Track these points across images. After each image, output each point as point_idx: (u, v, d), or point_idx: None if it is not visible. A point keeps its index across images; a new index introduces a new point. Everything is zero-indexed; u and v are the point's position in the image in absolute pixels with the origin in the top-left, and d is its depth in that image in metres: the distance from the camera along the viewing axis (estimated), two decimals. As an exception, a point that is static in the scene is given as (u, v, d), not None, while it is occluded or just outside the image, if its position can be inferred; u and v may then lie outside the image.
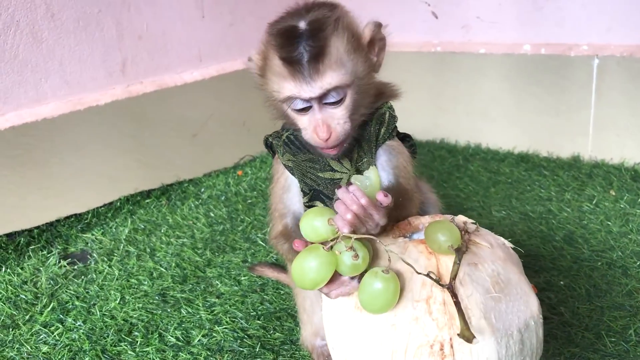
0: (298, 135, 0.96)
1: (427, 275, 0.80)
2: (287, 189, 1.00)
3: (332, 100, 0.88)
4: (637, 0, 1.84)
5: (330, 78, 0.86)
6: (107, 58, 1.78)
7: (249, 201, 1.88)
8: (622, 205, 1.65)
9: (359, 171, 0.97)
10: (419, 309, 0.81)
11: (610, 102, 1.93)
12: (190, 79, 2.01)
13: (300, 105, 0.88)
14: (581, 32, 1.97)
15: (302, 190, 0.98)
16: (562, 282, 1.30)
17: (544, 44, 2.04)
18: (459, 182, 1.91)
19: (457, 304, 0.78)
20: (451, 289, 0.78)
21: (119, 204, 1.81)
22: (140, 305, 1.33)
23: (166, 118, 1.94)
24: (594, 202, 1.68)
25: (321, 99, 0.88)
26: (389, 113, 0.99)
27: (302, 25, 0.86)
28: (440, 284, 0.79)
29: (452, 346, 0.81)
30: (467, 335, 0.77)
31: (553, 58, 2.01)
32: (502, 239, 0.95)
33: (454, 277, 0.80)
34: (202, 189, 1.97)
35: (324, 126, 0.88)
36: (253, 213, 1.79)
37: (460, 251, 0.81)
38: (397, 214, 0.91)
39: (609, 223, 1.55)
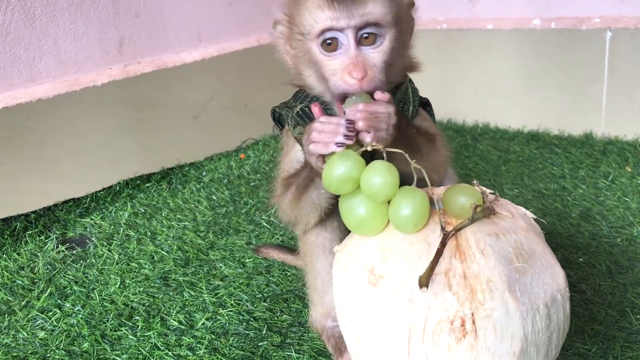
0: None
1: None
2: (297, 162, 0.94)
3: (370, 35, 0.82)
4: (652, -30, 1.78)
5: (372, 8, 0.81)
6: (103, 37, 1.72)
7: (252, 184, 1.82)
8: (639, 181, 1.59)
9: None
10: (438, 282, 0.76)
11: (624, 77, 1.87)
12: (190, 59, 1.95)
13: (332, 37, 0.82)
14: (593, 5, 1.90)
15: None
16: (581, 259, 1.25)
17: (554, 17, 1.97)
18: (468, 162, 1.85)
19: (439, 252, 0.73)
20: (446, 236, 0.73)
21: (118, 187, 1.75)
22: (141, 289, 1.28)
23: (166, 100, 1.88)
24: (609, 178, 1.62)
25: (358, 33, 0.82)
26: (411, 87, 0.94)
27: None
28: (443, 230, 0.75)
29: (474, 322, 0.75)
30: (422, 281, 0.73)
31: (564, 32, 1.95)
32: (522, 209, 0.89)
33: (458, 229, 0.75)
34: (204, 173, 1.91)
35: (359, 63, 0.81)
36: (257, 195, 1.74)
37: (482, 208, 0.75)
38: (427, 158, 0.86)
39: (627, 199, 1.50)
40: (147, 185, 1.80)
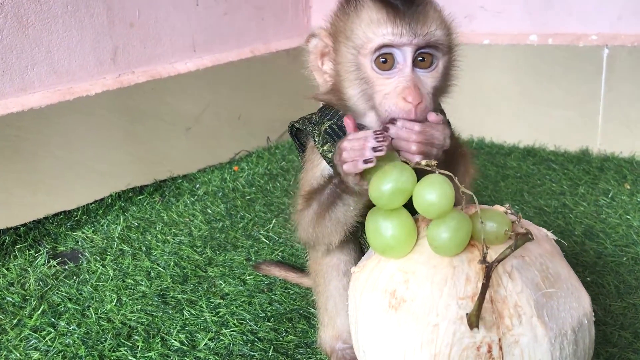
0: (343, 126, 0.87)
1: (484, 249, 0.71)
2: (322, 179, 0.90)
3: (427, 57, 0.79)
4: (649, -12, 1.79)
5: (434, 28, 0.79)
6: (98, 46, 1.68)
7: (248, 197, 1.79)
8: (639, 199, 1.58)
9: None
10: (464, 307, 0.73)
11: (621, 94, 1.87)
12: (184, 70, 1.92)
13: (388, 56, 0.79)
14: (590, 22, 1.91)
15: None
16: (588, 279, 1.23)
17: (552, 34, 1.98)
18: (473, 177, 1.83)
19: (485, 286, 0.69)
20: (489, 269, 0.69)
21: (110, 200, 1.71)
22: (139, 307, 1.23)
23: (159, 110, 1.84)
24: (609, 195, 1.62)
25: (416, 53, 0.79)
26: (443, 113, 0.92)
27: None
28: (484, 261, 0.70)
29: (500, 348, 0.73)
30: (472, 321, 0.69)
31: (561, 49, 1.95)
32: (544, 230, 0.87)
33: (499, 260, 0.71)
34: (197, 185, 1.87)
35: (415, 88, 0.78)
36: (253, 209, 1.70)
37: (522, 235, 0.72)
38: (461, 179, 0.83)
39: (629, 217, 1.49)
40: (139, 197, 1.76)
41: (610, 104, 1.90)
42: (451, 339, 0.73)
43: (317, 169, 0.90)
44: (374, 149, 0.73)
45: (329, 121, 0.89)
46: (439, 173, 0.74)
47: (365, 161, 0.73)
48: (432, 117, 0.78)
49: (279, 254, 1.44)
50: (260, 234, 1.55)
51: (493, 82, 2.09)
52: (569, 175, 1.78)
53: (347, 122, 0.78)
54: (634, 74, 1.84)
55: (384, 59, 0.80)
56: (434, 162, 0.74)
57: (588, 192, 1.66)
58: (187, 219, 1.65)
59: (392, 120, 0.78)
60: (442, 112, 0.94)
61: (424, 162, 0.75)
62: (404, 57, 0.79)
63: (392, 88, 0.80)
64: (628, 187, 1.67)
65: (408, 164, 0.75)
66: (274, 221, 1.61)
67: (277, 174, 1.96)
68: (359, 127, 0.85)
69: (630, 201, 1.58)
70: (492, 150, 2.05)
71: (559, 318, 0.75)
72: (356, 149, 0.74)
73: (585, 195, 1.64)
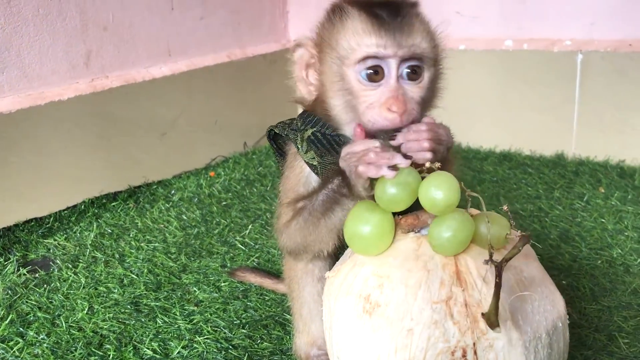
0: (326, 132, 0.86)
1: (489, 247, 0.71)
2: (306, 184, 0.88)
3: (412, 71, 0.79)
4: (621, -6, 1.81)
5: (420, 40, 0.79)
6: (70, 50, 1.65)
7: (224, 203, 1.77)
8: (613, 203, 1.60)
9: None
10: (438, 311, 0.72)
11: (595, 98, 1.89)
12: (159, 74, 1.89)
13: (373, 67, 0.78)
14: (564, 27, 1.93)
15: None
16: (564, 282, 1.24)
17: (527, 39, 1.99)
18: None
19: (498, 285, 0.68)
20: (499, 268, 0.69)
21: (83, 207, 1.68)
22: (111, 315, 1.21)
23: (133, 115, 1.82)
24: (584, 199, 1.63)
25: (401, 65, 0.78)
26: None
27: None
28: (492, 260, 0.69)
29: (475, 352, 0.72)
30: (493, 321, 0.68)
31: (536, 54, 1.96)
32: (518, 233, 0.87)
33: (507, 259, 0.70)
34: (173, 191, 1.85)
35: (399, 97, 0.77)
36: (229, 215, 1.68)
37: (524, 237, 0.72)
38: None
39: (603, 220, 1.50)
40: (113, 204, 1.73)
41: (584, 109, 1.91)
42: (425, 343, 0.72)
43: (301, 175, 0.89)
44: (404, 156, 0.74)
45: (312, 128, 0.87)
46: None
47: (391, 167, 0.73)
48: (426, 118, 0.79)
49: (255, 260, 1.43)
50: (236, 240, 1.53)
51: (469, 87, 2.10)
52: (545, 180, 1.79)
53: (357, 131, 0.77)
54: (607, 79, 1.86)
55: (369, 71, 0.79)
56: (437, 165, 0.75)
57: (563, 196, 1.67)
58: (162, 226, 1.62)
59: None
60: None
61: (428, 165, 0.75)
62: (389, 68, 0.78)
63: (376, 98, 0.79)
64: (602, 190, 1.68)
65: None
66: (250, 227, 1.59)
67: (254, 180, 1.94)
68: (339, 138, 0.85)
69: (605, 205, 1.59)
70: (468, 155, 2.06)
71: (533, 321, 0.74)
72: (382, 153, 0.73)
73: (560, 199, 1.65)
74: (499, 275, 0.68)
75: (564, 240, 1.42)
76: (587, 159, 1.93)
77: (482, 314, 0.70)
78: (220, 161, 2.10)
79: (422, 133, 0.77)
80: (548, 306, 0.77)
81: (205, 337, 1.12)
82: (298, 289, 0.96)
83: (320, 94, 0.85)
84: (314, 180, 0.88)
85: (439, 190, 0.72)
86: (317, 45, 0.84)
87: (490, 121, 2.09)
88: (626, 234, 1.43)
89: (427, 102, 0.84)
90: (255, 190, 1.86)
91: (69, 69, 1.66)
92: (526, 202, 1.65)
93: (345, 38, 0.79)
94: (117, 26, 1.77)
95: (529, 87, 1.99)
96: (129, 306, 1.24)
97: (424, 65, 0.81)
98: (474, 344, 0.72)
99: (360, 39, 0.78)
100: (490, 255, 0.70)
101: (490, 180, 1.83)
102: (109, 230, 1.59)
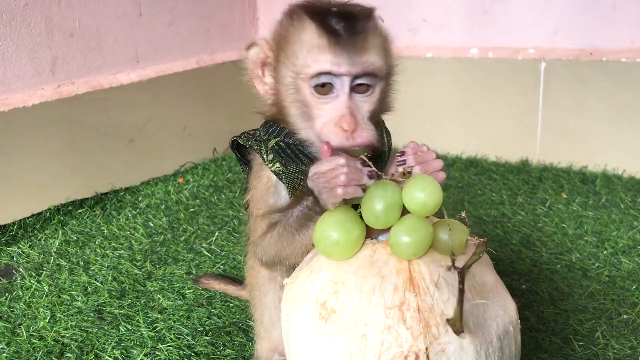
0: (290, 142, 0.87)
1: (452, 255, 0.74)
2: (276, 194, 0.89)
3: (363, 83, 0.81)
4: (582, 4, 1.85)
5: (372, 58, 0.79)
6: (35, 56, 1.64)
7: (192, 210, 1.77)
8: (574, 208, 1.63)
9: None
10: (392, 316, 0.74)
11: (558, 106, 1.93)
12: (127, 81, 1.89)
13: (326, 83, 0.80)
14: (528, 36, 1.97)
15: None
16: (524, 286, 1.26)
17: (492, 47, 2.03)
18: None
19: (462, 291, 0.71)
20: (462, 273, 0.71)
21: (48, 214, 1.66)
22: (74, 323, 1.20)
23: (100, 122, 1.81)
24: (546, 205, 1.66)
25: (354, 81, 0.80)
26: (385, 128, 0.94)
27: (342, 7, 0.81)
28: (454, 267, 0.72)
29: (427, 357, 0.73)
30: (458, 327, 0.70)
31: (500, 62, 2.00)
32: (476, 238, 0.89)
33: (469, 265, 0.73)
34: (140, 198, 1.84)
35: (351, 116, 0.79)
36: (196, 222, 1.68)
37: (482, 243, 0.74)
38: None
39: (564, 225, 1.53)
40: (79, 211, 1.72)
41: (548, 116, 1.95)
42: (379, 349, 0.73)
43: (269, 185, 0.89)
44: (370, 176, 0.74)
45: (275, 138, 0.88)
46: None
47: (363, 187, 0.74)
48: (413, 144, 0.81)
49: (221, 267, 1.43)
50: (202, 247, 1.53)
51: (436, 94, 2.13)
52: (509, 185, 1.83)
53: (324, 148, 0.77)
54: (569, 87, 1.90)
55: (322, 84, 0.80)
56: (408, 169, 0.78)
57: (526, 202, 1.70)
58: (128, 233, 1.62)
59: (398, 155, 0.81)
60: (387, 129, 0.95)
61: (400, 169, 0.78)
62: (342, 84, 0.80)
63: (330, 117, 0.81)
64: (564, 196, 1.72)
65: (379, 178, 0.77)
66: (216, 234, 1.59)
67: (223, 186, 1.94)
68: (302, 147, 0.86)
69: (566, 210, 1.63)
70: (436, 161, 2.08)
71: (485, 326, 0.76)
72: (348, 175, 0.74)
73: (523, 205, 1.68)
74: (462, 281, 0.71)
75: (525, 245, 1.45)
76: (551, 165, 1.97)
77: (447, 320, 0.71)
78: (189, 167, 2.10)
79: (430, 154, 0.80)
80: (499, 311, 0.79)
81: (168, 344, 1.12)
82: (260, 295, 0.97)
83: (277, 101, 0.86)
84: (282, 188, 0.88)
85: (423, 192, 0.74)
86: (273, 47, 0.85)
87: (457, 128, 2.12)
88: (585, 238, 1.46)
89: (378, 112, 0.86)
90: (223, 196, 1.86)
91: (34, 75, 1.65)
92: (490, 207, 1.68)
93: (301, 51, 0.80)
94: (83, 32, 1.76)
95: (494, 95, 2.03)
96: (92, 314, 1.23)
97: (376, 80, 0.82)
98: (427, 348, 0.73)
99: (316, 55, 0.79)
100: (453, 262, 0.73)
101: (456, 186, 1.86)
102: (75, 238, 1.58)
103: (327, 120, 0.81)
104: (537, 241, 1.46)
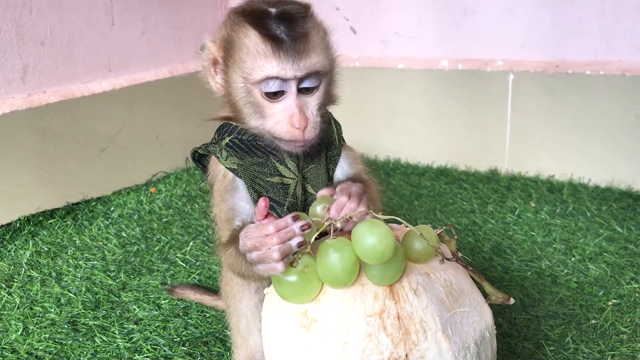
0: (243, 138, 0.91)
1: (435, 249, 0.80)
2: (234, 190, 0.91)
3: (309, 86, 0.85)
4: (549, 19, 1.90)
5: (315, 59, 0.84)
6: (5, 64, 1.62)
7: (165, 220, 1.76)
8: (542, 216, 1.67)
9: (305, 178, 0.93)
10: (372, 324, 0.75)
11: (526, 117, 1.98)
12: (99, 90, 1.88)
13: (275, 88, 0.83)
14: (497, 48, 2.01)
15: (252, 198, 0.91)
16: (496, 293, 1.29)
17: (461, 59, 2.07)
18: (382, 196, 1.88)
19: (474, 270, 0.81)
20: (458, 257, 0.80)
21: (18, 224, 1.64)
22: (47, 335, 1.19)
23: (72, 131, 1.79)
24: (516, 213, 1.70)
25: (299, 83, 0.84)
26: (332, 118, 0.97)
27: (280, 8, 0.84)
28: (447, 258, 0.79)
29: (408, 363, 0.75)
30: (501, 296, 0.80)
31: (470, 73, 2.04)
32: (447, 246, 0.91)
33: (457, 249, 0.82)
34: (112, 208, 1.83)
35: (301, 114, 0.84)
36: (170, 232, 1.67)
37: (446, 228, 0.82)
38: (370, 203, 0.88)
39: (533, 233, 1.57)
40: (50, 221, 1.70)
41: (516, 126, 2.00)
42: (360, 356, 0.74)
43: (226, 181, 0.92)
44: (302, 229, 0.76)
45: (229, 136, 0.93)
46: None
47: (299, 244, 0.76)
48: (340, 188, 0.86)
49: (196, 277, 1.43)
50: (176, 257, 1.52)
51: (408, 105, 2.17)
52: (479, 194, 1.86)
53: (261, 206, 0.79)
54: (536, 98, 1.95)
55: (271, 88, 0.84)
56: (348, 216, 0.80)
57: (496, 210, 1.74)
58: (101, 243, 1.60)
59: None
60: (336, 120, 0.98)
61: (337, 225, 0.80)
62: (289, 86, 0.84)
63: (281, 116, 0.85)
64: (533, 205, 1.76)
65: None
66: (191, 244, 1.59)
67: (196, 195, 1.94)
68: (256, 142, 0.89)
69: (535, 218, 1.67)
70: (407, 170, 2.11)
71: (462, 332, 0.78)
72: (282, 237, 0.75)
73: (493, 213, 1.72)
74: (464, 263, 0.80)
75: (496, 252, 1.48)
76: (519, 174, 2.01)
77: (488, 297, 0.81)
78: (161, 177, 2.09)
79: (353, 203, 0.83)
80: (476, 317, 0.81)
81: (145, 355, 1.11)
82: (235, 302, 0.97)
83: (230, 100, 0.90)
84: (240, 183, 0.91)
85: (373, 237, 0.74)
86: (221, 48, 0.88)
87: (427, 138, 2.16)
88: (554, 246, 1.50)
89: (325, 105, 0.91)
90: (197, 206, 1.86)
91: (4, 83, 1.62)
92: (461, 216, 1.71)
93: (247, 57, 0.84)
94: (55, 41, 1.74)
95: (464, 106, 2.07)
96: (66, 326, 1.22)
97: (320, 78, 0.87)
98: (407, 355, 0.75)
99: (262, 61, 0.83)
100: (443, 256, 0.79)
101: (427, 195, 1.89)
102: (46, 249, 1.56)
103: (279, 120, 0.85)
104: (507, 249, 1.49)
